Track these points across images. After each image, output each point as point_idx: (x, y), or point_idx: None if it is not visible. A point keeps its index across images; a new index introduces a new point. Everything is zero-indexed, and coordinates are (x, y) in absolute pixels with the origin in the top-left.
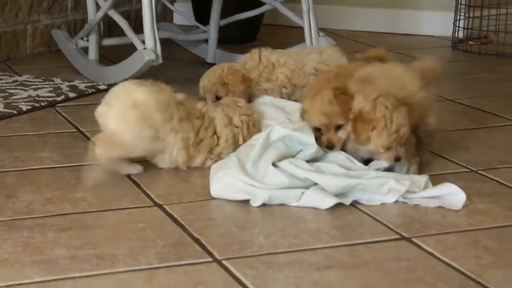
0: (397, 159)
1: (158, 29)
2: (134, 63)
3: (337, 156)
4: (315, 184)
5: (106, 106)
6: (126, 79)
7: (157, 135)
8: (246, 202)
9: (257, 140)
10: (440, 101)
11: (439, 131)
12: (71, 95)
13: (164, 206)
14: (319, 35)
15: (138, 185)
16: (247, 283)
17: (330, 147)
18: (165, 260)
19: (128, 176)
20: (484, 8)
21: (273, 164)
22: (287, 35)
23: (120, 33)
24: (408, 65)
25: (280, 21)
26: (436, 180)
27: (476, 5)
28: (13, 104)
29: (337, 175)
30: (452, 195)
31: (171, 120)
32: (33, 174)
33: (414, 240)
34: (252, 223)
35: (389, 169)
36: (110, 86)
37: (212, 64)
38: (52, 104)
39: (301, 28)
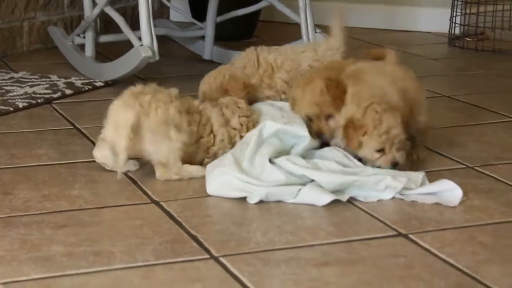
0: (395, 164)
1: (155, 26)
2: (130, 59)
3: (334, 153)
4: (312, 181)
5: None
6: (123, 76)
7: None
8: (243, 199)
9: (251, 138)
10: (436, 97)
11: (431, 128)
12: (68, 92)
13: (161, 203)
14: (315, 32)
15: (135, 182)
16: (244, 280)
17: (320, 135)
18: (162, 257)
19: (125, 173)
20: (481, 4)
21: (270, 161)
22: (284, 32)
23: (117, 29)
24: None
25: (277, 17)
26: (432, 176)
27: (472, 2)
28: (9, 101)
29: (334, 172)
30: (449, 191)
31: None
32: (29, 171)
33: (411, 236)
34: (249, 220)
35: None
36: (106, 83)
37: (209, 61)
38: (49, 101)
39: (297, 25)
